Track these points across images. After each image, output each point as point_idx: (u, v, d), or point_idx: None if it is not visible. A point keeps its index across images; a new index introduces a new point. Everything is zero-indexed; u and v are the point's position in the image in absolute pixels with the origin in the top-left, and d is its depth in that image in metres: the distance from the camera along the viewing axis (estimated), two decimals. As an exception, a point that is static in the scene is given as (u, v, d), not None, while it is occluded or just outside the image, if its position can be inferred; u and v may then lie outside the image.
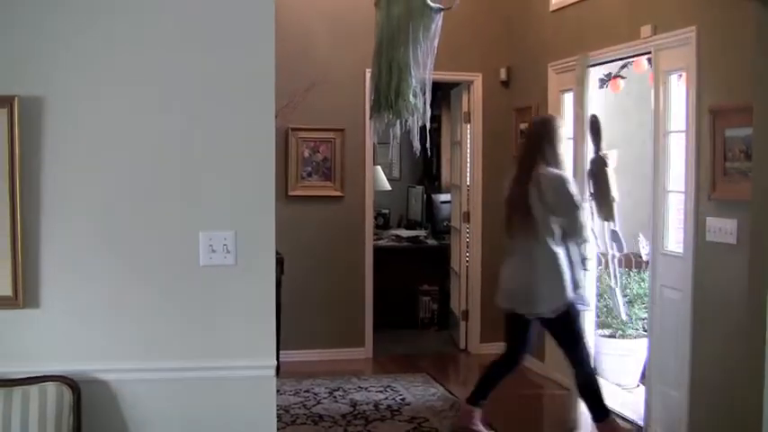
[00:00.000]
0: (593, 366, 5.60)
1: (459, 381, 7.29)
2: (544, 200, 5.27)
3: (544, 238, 5.29)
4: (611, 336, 6.87)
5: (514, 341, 5.56)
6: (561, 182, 5.31)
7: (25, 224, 3.04)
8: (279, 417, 5.71)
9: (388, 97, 4.88)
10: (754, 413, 3.86)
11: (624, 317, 6.61)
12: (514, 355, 5.57)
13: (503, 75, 7.91)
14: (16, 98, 2.98)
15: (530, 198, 5.30)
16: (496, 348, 6.05)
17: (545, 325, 5.50)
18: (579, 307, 5.44)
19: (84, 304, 3.13)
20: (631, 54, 6.02)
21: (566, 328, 5.43)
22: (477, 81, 7.91)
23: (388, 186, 9.87)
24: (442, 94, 9.41)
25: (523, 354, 5.64)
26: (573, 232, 5.34)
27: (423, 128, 5.15)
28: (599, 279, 6.88)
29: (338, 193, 7.60)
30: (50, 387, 2.99)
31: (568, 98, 6.75)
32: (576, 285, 5.37)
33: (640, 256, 7.10)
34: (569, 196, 5.29)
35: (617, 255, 6.39)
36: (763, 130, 3.84)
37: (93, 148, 3.11)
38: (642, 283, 6.78)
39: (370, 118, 5.19)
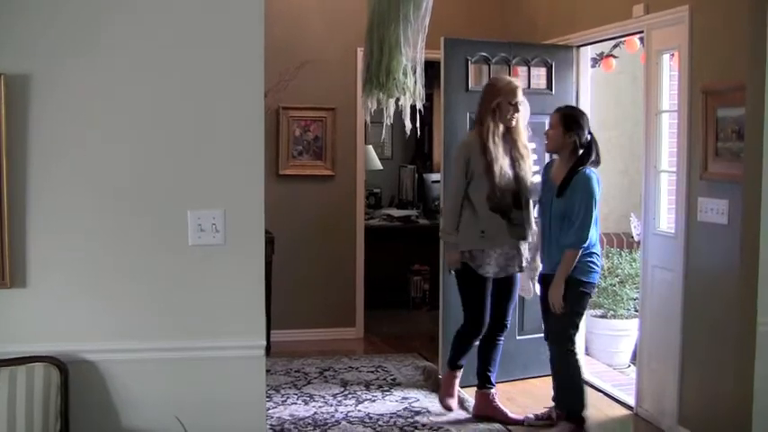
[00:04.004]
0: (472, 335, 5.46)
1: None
2: None
3: None
4: (603, 316, 6.88)
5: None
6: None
7: (12, 204, 3.02)
8: (269, 396, 5.72)
9: (378, 76, 4.86)
10: (745, 393, 3.87)
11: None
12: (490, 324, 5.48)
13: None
14: (2, 76, 2.96)
15: None
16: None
17: None
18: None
19: (71, 284, 3.12)
20: (624, 33, 5.99)
21: (461, 285, 5.44)
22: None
23: (379, 166, 9.84)
24: (434, 73, 9.35)
25: (500, 322, 5.53)
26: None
27: (414, 107, 5.13)
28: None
29: (329, 173, 7.56)
30: (38, 368, 2.98)
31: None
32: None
33: (632, 236, 7.11)
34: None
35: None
36: (756, 110, 3.81)
37: (80, 126, 3.09)
38: (633, 263, 6.78)
39: (362, 97, 5.17)
